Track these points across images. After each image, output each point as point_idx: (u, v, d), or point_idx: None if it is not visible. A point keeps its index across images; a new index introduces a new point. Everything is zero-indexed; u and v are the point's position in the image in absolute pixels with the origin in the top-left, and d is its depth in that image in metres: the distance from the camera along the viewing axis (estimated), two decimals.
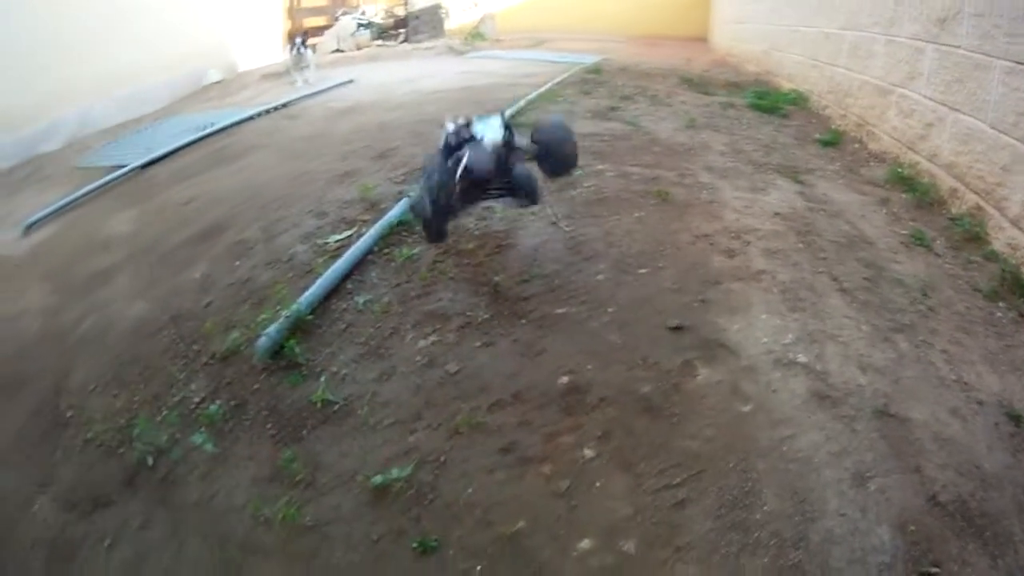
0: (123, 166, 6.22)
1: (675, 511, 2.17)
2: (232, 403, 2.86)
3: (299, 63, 9.54)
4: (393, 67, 10.61)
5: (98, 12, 8.39)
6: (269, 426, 2.71)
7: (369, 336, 3.09)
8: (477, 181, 3.18)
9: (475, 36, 13.62)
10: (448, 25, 14.99)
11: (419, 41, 13.96)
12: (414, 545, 2.17)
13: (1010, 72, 3.68)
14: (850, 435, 2.42)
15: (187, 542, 2.36)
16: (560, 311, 3.13)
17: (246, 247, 4.02)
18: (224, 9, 11.42)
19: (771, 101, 7.10)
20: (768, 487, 2.23)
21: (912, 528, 2.09)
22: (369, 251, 3.69)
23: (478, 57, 11.24)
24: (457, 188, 3.13)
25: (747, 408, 2.54)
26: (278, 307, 3.26)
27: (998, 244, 3.73)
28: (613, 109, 6.52)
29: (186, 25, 10.38)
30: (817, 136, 5.97)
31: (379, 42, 14.34)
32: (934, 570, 1.97)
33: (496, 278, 3.39)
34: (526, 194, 3.30)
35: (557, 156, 3.49)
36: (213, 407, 2.83)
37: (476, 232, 3.82)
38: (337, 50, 13.79)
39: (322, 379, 2.86)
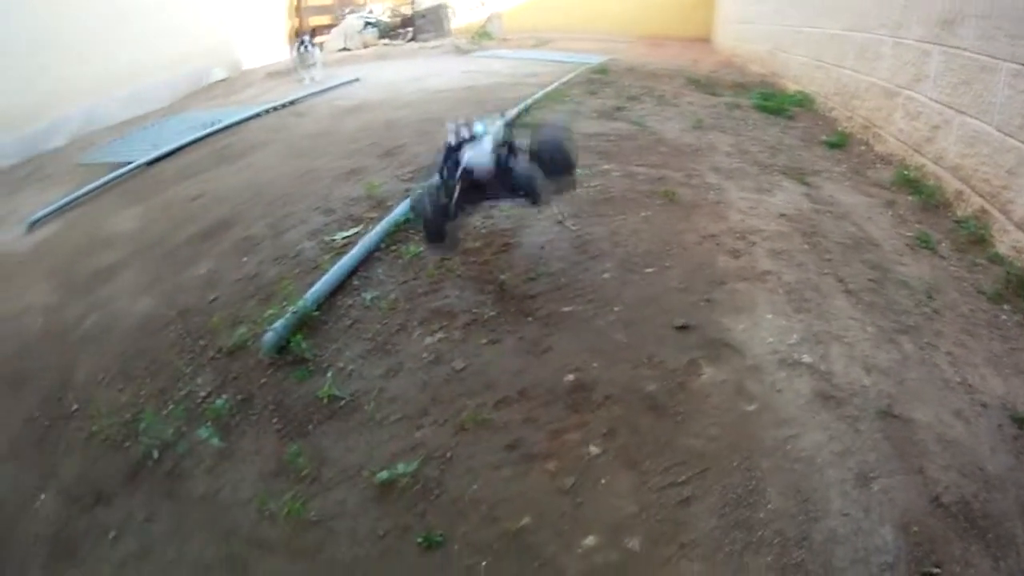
0: (128, 163, 6.23)
1: (680, 509, 2.18)
2: (238, 398, 2.87)
3: (306, 61, 9.53)
4: (399, 66, 10.61)
5: (101, 10, 8.41)
6: (275, 421, 2.72)
7: (376, 332, 3.10)
8: (477, 182, 3.19)
9: (481, 35, 13.60)
10: (454, 24, 14.98)
11: (425, 40, 13.97)
12: (419, 540, 2.17)
13: (1016, 75, 3.67)
14: (854, 435, 2.43)
15: (192, 536, 2.37)
16: (566, 309, 3.14)
17: (253, 243, 4.03)
18: (228, 7, 11.42)
19: (777, 102, 7.10)
20: (772, 486, 2.23)
21: (915, 529, 2.09)
22: (376, 248, 3.70)
23: (484, 56, 11.24)
24: (457, 188, 3.13)
25: (752, 407, 2.55)
26: (285, 303, 3.27)
27: (1003, 247, 3.73)
28: (619, 109, 6.53)
29: (191, 23, 10.39)
30: (823, 138, 5.97)
31: (385, 41, 14.34)
32: (936, 571, 1.98)
33: (502, 276, 3.40)
34: (527, 194, 3.30)
35: (555, 159, 3.46)
36: (219, 401, 2.85)
37: (483, 231, 3.83)
38: (343, 48, 13.81)
39: (328, 375, 2.87)
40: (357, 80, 9.11)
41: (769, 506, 2.17)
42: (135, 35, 8.98)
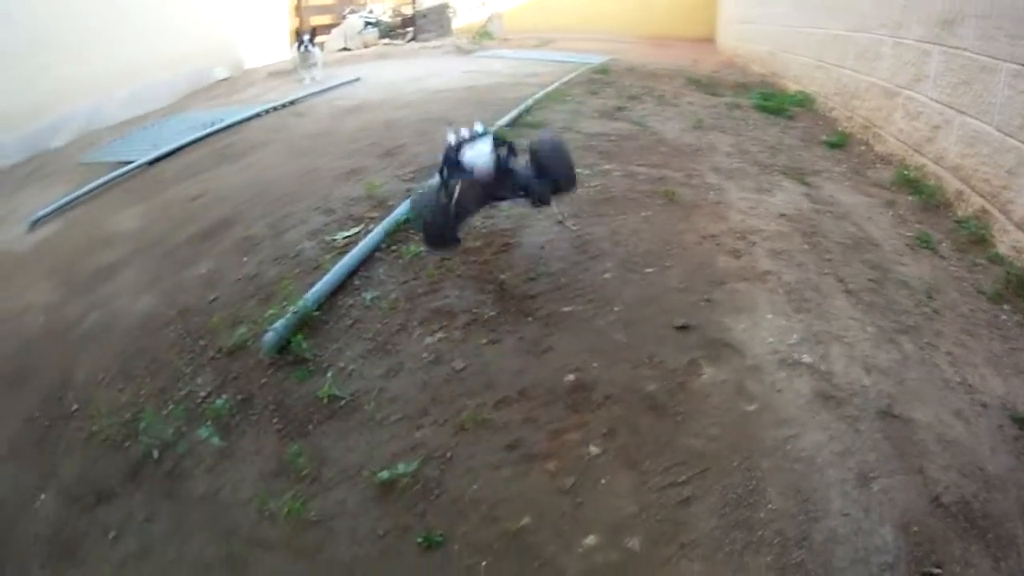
0: (129, 162, 6.23)
1: (680, 509, 2.18)
2: (239, 397, 2.87)
3: (306, 61, 9.52)
4: (400, 66, 10.61)
5: (102, 10, 8.40)
6: (275, 421, 2.72)
7: (376, 332, 3.10)
8: (477, 184, 3.18)
9: (482, 35, 13.59)
10: (455, 24, 15.01)
11: (426, 40, 13.98)
12: (419, 540, 2.17)
13: (1016, 75, 3.67)
14: (854, 435, 2.43)
15: (192, 536, 2.37)
16: (566, 309, 3.14)
17: (253, 243, 4.03)
18: (230, 7, 11.43)
19: (777, 102, 7.10)
20: (772, 486, 2.23)
21: (915, 529, 2.09)
22: (376, 248, 3.70)
23: (485, 56, 11.24)
24: (457, 189, 3.13)
25: (752, 407, 2.55)
26: (285, 303, 3.27)
27: (1003, 247, 3.73)
28: (620, 109, 6.53)
29: (192, 22, 10.39)
30: (823, 138, 5.97)
31: (386, 41, 14.35)
32: (936, 571, 1.98)
33: (502, 276, 3.40)
34: (530, 193, 3.30)
35: (553, 165, 3.39)
36: (219, 401, 2.85)
37: (483, 230, 3.83)
38: (344, 48, 13.82)
39: (329, 374, 2.87)
40: (358, 80, 9.11)
41: (769, 506, 2.17)
42: (136, 34, 8.98)
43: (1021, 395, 2.69)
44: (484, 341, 2.98)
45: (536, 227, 3.82)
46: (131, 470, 2.67)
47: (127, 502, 2.56)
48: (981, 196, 4.00)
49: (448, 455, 2.46)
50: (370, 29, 14.37)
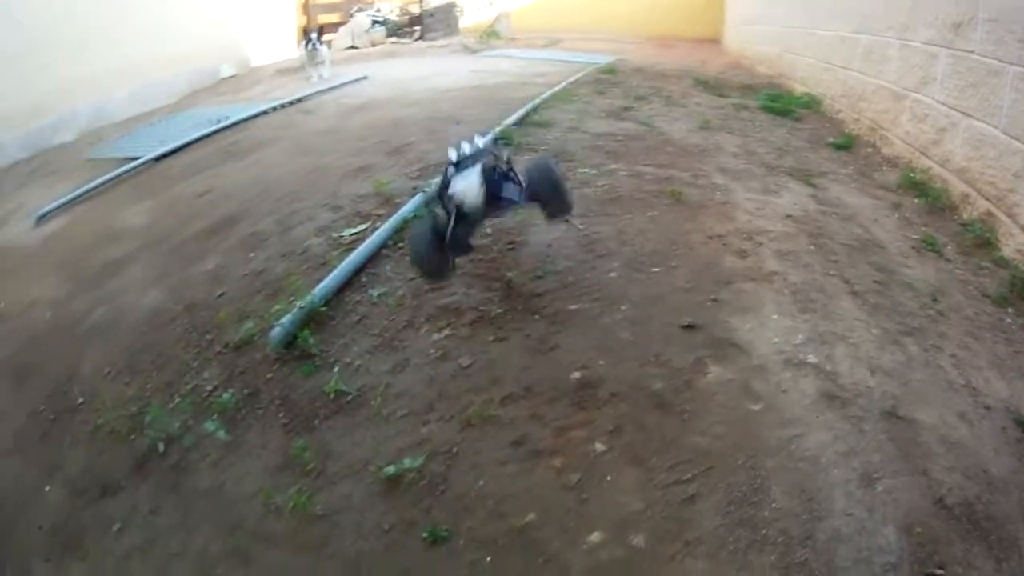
0: (136, 158, 6.25)
1: (685, 506, 2.19)
2: (245, 392, 2.88)
3: (314, 59, 9.55)
4: (407, 64, 10.62)
5: (108, 6, 8.43)
6: (281, 415, 2.74)
7: (383, 328, 3.11)
8: (468, 218, 3.12)
9: (490, 35, 13.58)
10: (463, 23, 14.99)
11: (434, 39, 13.98)
12: (425, 535, 2.19)
13: (1023, 78, 3.67)
14: (858, 436, 2.43)
15: (197, 529, 2.38)
16: (573, 307, 3.14)
17: (260, 239, 4.05)
18: (237, 5, 11.44)
19: (784, 104, 7.09)
20: (776, 485, 2.24)
21: (918, 530, 2.10)
22: (384, 245, 3.72)
23: (492, 56, 11.25)
24: (452, 219, 3.06)
25: (757, 407, 2.55)
26: (292, 298, 3.28)
27: (1008, 250, 3.73)
28: (627, 109, 6.53)
29: (199, 20, 10.40)
30: (830, 140, 5.96)
31: (393, 39, 14.35)
32: (939, 572, 1.98)
33: (509, 274, 3.41)
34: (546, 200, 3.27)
35: (551, 204, 3.33)
36: (226, 395, 2.86)
37: (489, 229, 3.83)
38: (352, 47, 13.81)
39: (335, 370, 2.88)
40: (365, 78, 9.13)
41: (773, 505, 2.17)
42: (143, 31, 9.00)
43: None
44: (491, 338, 2.99)
45: (543, 226, 3.81)
46: (136, 463, 2.69)
47: (132, 495, 2.57)
48: (987, 199, 4.00)
49: (454, 451, 2.47)
50: (377, 27, 14.37)
